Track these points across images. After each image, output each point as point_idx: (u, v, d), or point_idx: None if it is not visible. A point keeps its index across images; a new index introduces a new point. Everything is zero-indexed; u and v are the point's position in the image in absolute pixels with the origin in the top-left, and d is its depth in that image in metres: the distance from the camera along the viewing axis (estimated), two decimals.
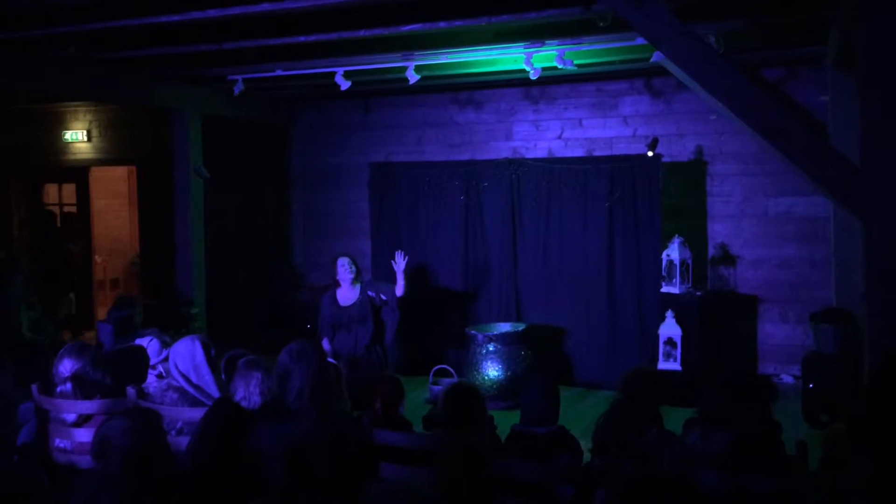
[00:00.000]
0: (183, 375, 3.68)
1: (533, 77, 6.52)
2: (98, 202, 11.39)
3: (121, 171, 12.21)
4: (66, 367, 3.89)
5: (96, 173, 11.02)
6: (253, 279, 9.79)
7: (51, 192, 11.09)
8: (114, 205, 13.33)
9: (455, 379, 7.30)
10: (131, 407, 3.42)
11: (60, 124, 10.63)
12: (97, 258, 11.45)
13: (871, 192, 3.91)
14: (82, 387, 3.84)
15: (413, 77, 6.73)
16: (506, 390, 7.00)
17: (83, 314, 10.74)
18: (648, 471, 2.37)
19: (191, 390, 3.66)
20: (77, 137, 10.60)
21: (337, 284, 6.79)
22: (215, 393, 3.68)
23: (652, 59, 6.26)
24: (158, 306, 8.11)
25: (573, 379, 7.71)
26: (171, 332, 6.89)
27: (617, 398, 3.69)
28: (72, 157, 10.76)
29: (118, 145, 10.53)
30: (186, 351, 3.72)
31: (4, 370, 5.69)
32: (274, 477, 3.05)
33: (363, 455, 2.87)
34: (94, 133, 10.60)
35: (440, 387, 7.23)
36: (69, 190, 10.95)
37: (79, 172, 10.77)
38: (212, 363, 3.75)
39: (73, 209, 11.00)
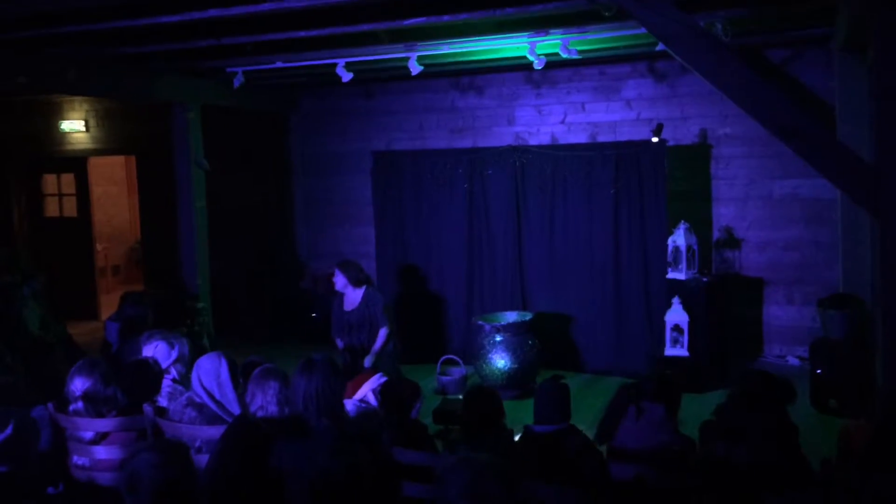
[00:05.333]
0: (206, 391, 3.68)
1: (537, 67, 6.45)
2: (96, 189, 11.32)
3: (118, 158, 12.14)
4: (78, 385, 3.89)
5: (93, 160, 10.92)
6: (256, 268, 9.77)
7: (49, 182, 11.00)
8: (112, 192, 13.28)
9: (463, 369, 7.34)
10: (160, 439, 3.42)
11: (57, 114, 10.54)
12: (98, 246, 11.41)
13: (886, 193, 3.89)
14: (94, 404, 3.84)
15: (415, 68, 6.68)
16: (514, 380, 7.03)
17: (86, 303, 10.73)
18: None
19: (212, 406, 3.66)
20: (74, 128, 10.51)
21: None
22: (236, 410, 3.68)
23: (658, 48, 6.20)
24: (164, 300, 8.09)
25: (580, 366, 7.73)
26: (178, 329, 6.92)
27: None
28: (70, 147, 10.68)
29: (116, 135, 10.46)
30: (212, 367, 3.71)
31: (15, 374, 5.70)
32: (294, 498, 3.07)
33: (384, 476, 2.87)
34: (92, 123, 10.51)
35: (449, 377, 7.27)
36: (68, 180, 10.87)
37: (77, 162, 10.68)
38: (236, 381, 3.75)
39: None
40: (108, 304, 10.71)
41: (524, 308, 7.80)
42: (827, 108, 7.17)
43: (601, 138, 8.22)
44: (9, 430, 2.58)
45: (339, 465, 2.40)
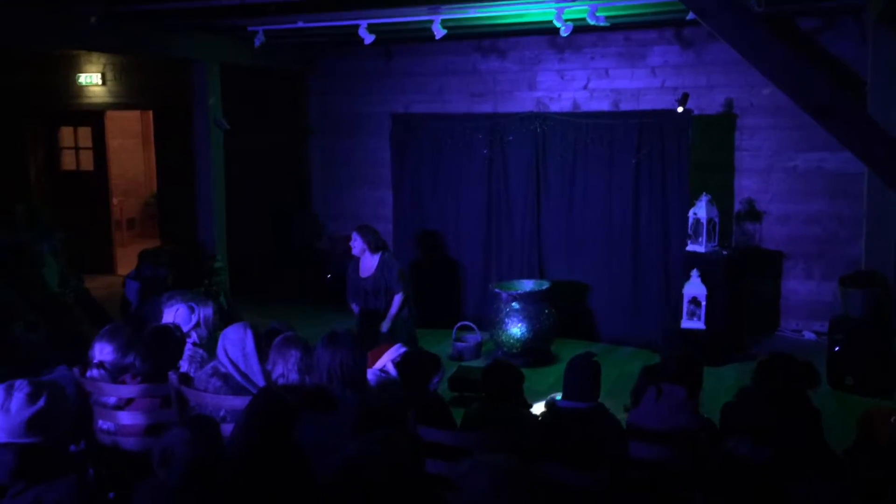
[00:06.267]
0: (231, 362, 3.69)
1: (564, 34, 6.33)
2: (112, 142, 11.28)
3: (134, 111, 12.08)
4: (96, 353, 3.92)
5: (109, 112, 10.85)
6: (273, 228, 9.76)
7: (66, 135, 10.96)
8: (128, 145, 13.25)
9: (478, 336, 7.36)
10: (192, 416, 3.44)
11: (74, 67, 10.45)
12: (114, 200, 11.42)
13: None
14: (111, 372, 3.87)
15: (440, 32, 6.57)
16: (529, 348, 7.05)
17: (103, 257, 10.77)
18: None
19: (237, 377, 3.68)
20: (91, 81, 10.43)
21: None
22: (261, 382, 3.70)
23: (689, 17, 6.06)
24: (181, 257, 8.09)
25: (595, 335, 7.74)
26: (197, 289, 6.95)
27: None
28: (86, 100, 10.62)
29: (133, 90, 10.38)
30: (238, 338, 3.72)
31: (38, 332, 5.75)
32: (321, 472, 3.09)
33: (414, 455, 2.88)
34: (109, 77, 10.43)
35: (464, 343, 7.30)
36: (84, 133, 10.82)
37: (94, 116, 10.62)
38: (261, 352, 3.76)
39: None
40: (124, 258, 10.77)
41: (541, 276, 7.78)
42: (857, 81, 7.02)
43: (624, 106, 8.10)
44: (41, 403, 2.60)
45: (380, 449, 2.41)
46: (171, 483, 2.57)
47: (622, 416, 4.12)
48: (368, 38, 6.87)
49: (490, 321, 7.25)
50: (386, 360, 4.72)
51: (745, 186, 7.89)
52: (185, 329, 4.71)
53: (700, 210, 7.11)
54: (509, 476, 2.31)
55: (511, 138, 7.88)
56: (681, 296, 7.05)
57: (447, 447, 3.31)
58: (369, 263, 6.76)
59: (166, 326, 4.21)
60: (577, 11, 6.23)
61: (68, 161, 11.01)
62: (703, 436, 3.28)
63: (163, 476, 2.58)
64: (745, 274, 7.59)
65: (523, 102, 8.46)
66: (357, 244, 6.71)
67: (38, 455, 2.59)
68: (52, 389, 2.67)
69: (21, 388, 2.64)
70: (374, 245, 6.75)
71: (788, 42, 5.52)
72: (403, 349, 4.85)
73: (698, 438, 3.24)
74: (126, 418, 3.77)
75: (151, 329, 4.16)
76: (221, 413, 3.63)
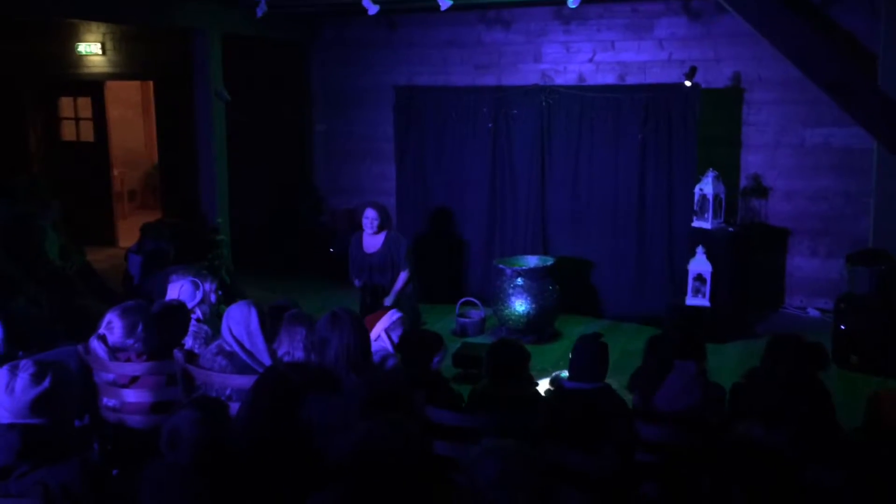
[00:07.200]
0: (236, 340, 3.67)
1: (572, 5, 6.23)
2: (112, 112, 11.16)
3: (134, 81, 11.94)
4: (104, 326, 3.88)
5: (109, 82, 10.72)
6: (274, 202, 9.70)
7: (66, 105, 10.84)
8: (128, 115, 13.13)
9: (482, 312, 7.33)
10: (199, 396, 3.42)
11: (74, 36, 10.32)
12: (115, 171, 11.33)
13: None
14: (112, 350, 3.84)
15: (445, 3, 6.45)
16: (533, 324, 7.02)
17: (104, 229, 10.71)
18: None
19: (242, 355, 3.66)
20: (91, 50, 10.31)
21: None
22: (266, 360, 3.67)
23: None
24: (183, 230, 8.05)
25: (599, 312, 7.71)
26: (199, 264, 6.90)
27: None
28: (86, 70, 10.50)
29: (133, 59, 10.26)
30: (242, 316, 3.70)
31: (40, 306, 5.71)
32: (329, 454, 3.08)
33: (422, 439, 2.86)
34: (109, 46, 10.30)
35: (468, 319, 7.27)
36: (84, 104, 10.70)
37: (94, 86, 10.50)
38: (266, 331, 3.73)
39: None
40: (126, 230, 10.72)
41: (544, 251, 7.73)
42: (867, 55, 6.90)
43: (630, 79, 8.00)
44: (46, 384, 2.56)
45: (389, 432, 2.38)
46: (179, 464, 2.55)
47: (626, 395, 4.11)
48: (372, 9, 6.76)
49: (494, 297, 7.21)
50: (380, 329, 4.67)
51: (752, 162, 7.82)
52: (189, 305, 4.69)
53: (706, 186, 7.04)
54: (520, 461, 2.29)
55: (516, 112, 7.79)
56: (685, 272, 7.01)
57: (455, 428, 3.29)
58: (375, 240, 6.73)
59: (172, 304, 4.18)
60: None
61: (68, 132, 10.90)
62: (715, 413, 3.26)
63: (170, 457, 2.56)
64: (751, 250, 7.55)
65: (528, 75, 8.35)
66: (374, 220, 6.65)
67: (43, 436, 2.57)
68: (57, 370, 2.64)
69: (26, 369, 2.60)
70: (389, 221, 6.76)
71: (799, 14, 5.44)
72: (398, 315, 4.80)
73: (709, 417, 3.23)
74: (131, 396, 3.76)
75: (158, 306, 4.13)
76: (227, 392, 3.62)
